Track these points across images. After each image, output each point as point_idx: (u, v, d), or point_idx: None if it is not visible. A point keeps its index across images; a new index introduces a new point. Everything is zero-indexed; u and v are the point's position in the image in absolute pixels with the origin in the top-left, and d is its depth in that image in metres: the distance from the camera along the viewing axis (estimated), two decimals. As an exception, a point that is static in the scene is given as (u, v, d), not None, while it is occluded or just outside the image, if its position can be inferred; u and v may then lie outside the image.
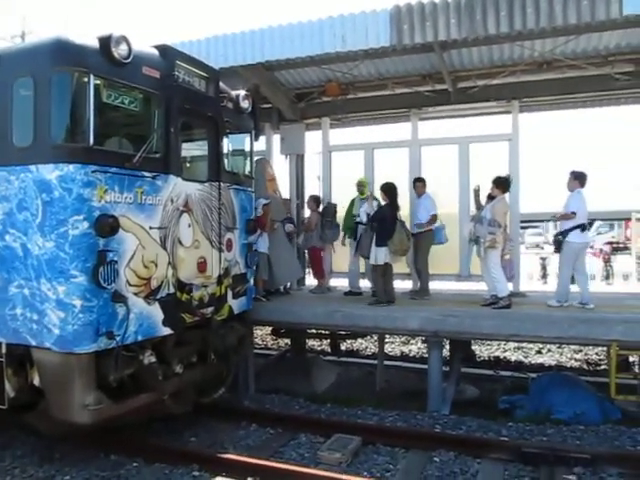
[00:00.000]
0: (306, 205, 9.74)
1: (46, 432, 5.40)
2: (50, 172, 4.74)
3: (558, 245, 7.49)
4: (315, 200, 9.53)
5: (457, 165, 9.09)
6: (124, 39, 5.01)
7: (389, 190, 7.84)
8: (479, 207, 8.03)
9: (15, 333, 4.97)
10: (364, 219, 8.27)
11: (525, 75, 8.40)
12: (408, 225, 8.43)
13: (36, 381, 5.10)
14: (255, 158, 8.92)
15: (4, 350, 5.08)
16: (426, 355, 9.74)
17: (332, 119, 9.82)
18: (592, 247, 23.02)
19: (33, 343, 4.89)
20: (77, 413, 4.85)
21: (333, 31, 7.02)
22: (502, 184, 7.79)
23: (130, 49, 5.06)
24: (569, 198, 7.44)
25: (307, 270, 10.48)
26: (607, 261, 16.07)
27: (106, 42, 4.90)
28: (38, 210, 4.80)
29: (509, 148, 8.74)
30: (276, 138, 9.94)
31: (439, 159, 9.22)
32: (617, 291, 10.85)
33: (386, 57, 8.09)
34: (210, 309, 6.27)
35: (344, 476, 4.94)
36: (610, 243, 20.63)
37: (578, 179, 7.45)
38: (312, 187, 10.14)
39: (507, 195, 7.98)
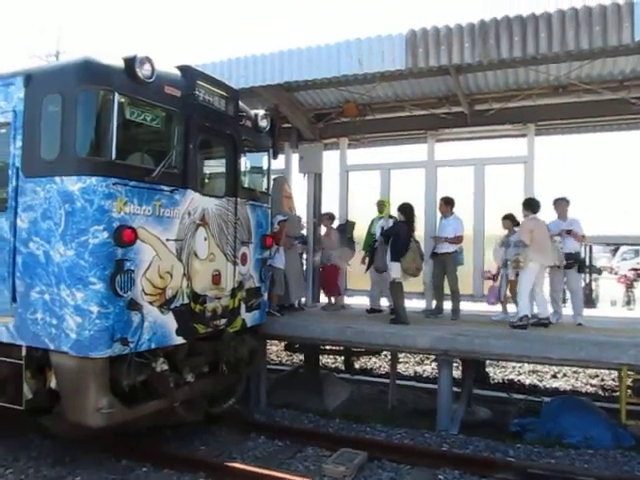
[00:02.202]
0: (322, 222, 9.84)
1: (61, 434, 5.58)
2: (73, 184, 4.99)
3: (582, 264, 7.75)
4: (330, 217, 9.66)
5: (472, 187, 9.18)
6: (148, 60, 5.28)
7: (406, 210, 7.99)
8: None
9: (35, 337, 5.18)
10: (378, 233, 8.40)
11: (541, 98, 8.48)
12: (424, 247, 8.54)
13: (53, 384, 5.28)
14: (274, 176, 9.18)
15: (24, 353, 5.29)
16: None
17: (350, 139, 10.02)
18: (617, 273, 22.64)
19: (51, 347, 5.09)
20: (90, 416, 5.02)
21: (350, 54, 7.24)
22: (529, 205, 7.88)
23: (153, 69, 5.31)
24: (575, 223, 7.94)
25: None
26: (629, 287, 15.81)
27: (131, 62, 5.17)
28: (61, 219, 5.04)
29: (524, 171, 8.80)
30: (295, 157, 10.15)
31: (455, 180, 9.31)
32: (637, 316, 10.69)
33: (403, 79, 8.26)
34: (223, 321, 6.43)
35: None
36: (635, 269, 20.26)
37: (569, 204, 7.95)
38: (330, 206, 10.27)
39: (537, 215, 7.90)
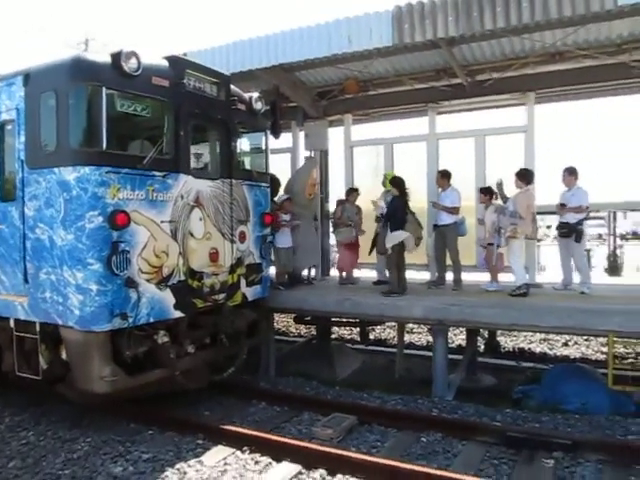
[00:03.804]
0: (346, 199, 9.65)
1: (73, 400, 6.16)
2: (69, 173, 5.44)
3: (579, 235, 7.82)
4: (358, 193, 9.63)
5: (473, 158, 9.21)
6: (133, 54, 5.62)
7: (398, 183, 8.20)
8: (505, 200, 8.18)
9: (46, 314, 5.73)
10: (379, 213, 8.59)
11: (539, 66, 8.37)
12: (426, 219, 8.73)
13: (64, 355, 5.84)
14: (306, 155, 9.77)
15: (38, 328, 5.86)
16: (451, 345, 10.04)
17: (354, 115, 10.16)
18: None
19: (60, 322, 5.63)
20: (96, 383, 5.54)
21: (339, 33, 7.38)
22: (525, 176, 7.96)
23: (139, 62, 5.65)
24: (578, 193, 7.91)
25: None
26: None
27: (117, 57, 5.53)
28: (61, 207, 5.51)
29: (525, 140, 8.77)
30: (302, 135, 10.35)
31: (456, 152, 9.36)
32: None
33: (399, 54, 8.32)
34: (222, 296, 6.83)
35: (316, 446, 5.41)
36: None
37: (573, 174, 7.94)
38: (335, 182, 10.50)
39: (531, 187, 8.06)
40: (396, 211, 8.03)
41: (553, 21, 6.55)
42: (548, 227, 20.29)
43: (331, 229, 10.37)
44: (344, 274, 9.77)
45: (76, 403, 6.22)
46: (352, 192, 9.70)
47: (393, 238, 8.01)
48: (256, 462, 5.31)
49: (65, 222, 5.49)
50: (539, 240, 13.32)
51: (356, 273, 10.06)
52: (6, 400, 6.96)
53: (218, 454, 5.46)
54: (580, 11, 6.07)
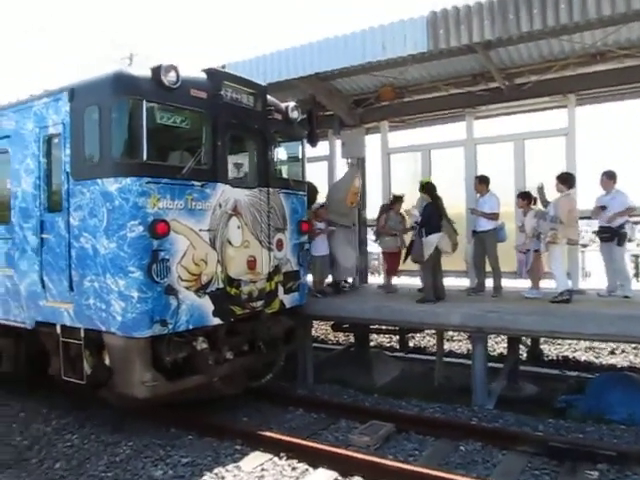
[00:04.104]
0: (390, 207, 9.51)
1: (116, 405, 6.34)
2: (112, 184, 5.64)
3: (622, 238, 7.66)
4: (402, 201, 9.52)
5: (512, 162, 9.05)
6: (173, 68, 5.81)
7: (429, 189, 8.17)
8: (545, 204, 8.03)
9: (90, 320, 5.94)
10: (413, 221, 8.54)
11: (580, 67, 8.17)
12: (465, 225, 8.63)
13: (107, 361, 6.03)
14: (349, 161, 9.84)
15: (82, 334, 6.07)
16: (493, 353, 9.86)
17: (390, 122, 10.14)
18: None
19: (103, 328, 5.82)
20: (137, 388, 5.70)
21: (374, 40, 7.40)
22: (566, 180, 7.80)
23: (178, 75, 5.83)
24: (618, 196, 7.73)
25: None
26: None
27: (157, 71, 5.73)
28: (104, 217, 5.71)
29: (566, 143, 8.57)
30: (339, 143, 10.40)
31: (494, 157, 9.22)
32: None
33: (435, 60, 8.28)
34: (260, 303, 6.91)
35: (353, 453, 5.40)
36: None
37: (612, 179, 7.77)
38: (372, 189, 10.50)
39: (572, 191, 7.90)
40: (430, 218, 7.96)
41: (592, 21, 6.42)
42: (594, 232, 19.62)
43: (371, 237, 10.35)
44: (383, 282, 9.74)
45: (118, 407, 6.40)
46: (397, 200, 9.52)
47: (428, 244, 7.94)
48: (293, 468, 5.34)
49: (108, 231, 5.69)
50: (584, 245, 12.89)
51: (395, 280, 10.00)
52: (52, 403, 7.22)
53: (256, 460, 5.51)
54: (620, 9, 5.91)
